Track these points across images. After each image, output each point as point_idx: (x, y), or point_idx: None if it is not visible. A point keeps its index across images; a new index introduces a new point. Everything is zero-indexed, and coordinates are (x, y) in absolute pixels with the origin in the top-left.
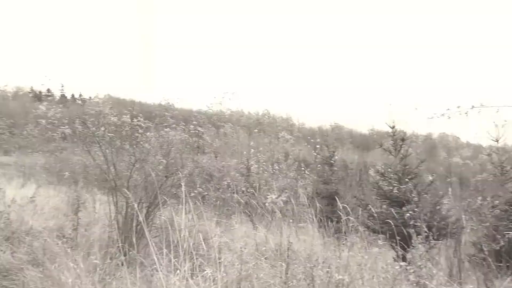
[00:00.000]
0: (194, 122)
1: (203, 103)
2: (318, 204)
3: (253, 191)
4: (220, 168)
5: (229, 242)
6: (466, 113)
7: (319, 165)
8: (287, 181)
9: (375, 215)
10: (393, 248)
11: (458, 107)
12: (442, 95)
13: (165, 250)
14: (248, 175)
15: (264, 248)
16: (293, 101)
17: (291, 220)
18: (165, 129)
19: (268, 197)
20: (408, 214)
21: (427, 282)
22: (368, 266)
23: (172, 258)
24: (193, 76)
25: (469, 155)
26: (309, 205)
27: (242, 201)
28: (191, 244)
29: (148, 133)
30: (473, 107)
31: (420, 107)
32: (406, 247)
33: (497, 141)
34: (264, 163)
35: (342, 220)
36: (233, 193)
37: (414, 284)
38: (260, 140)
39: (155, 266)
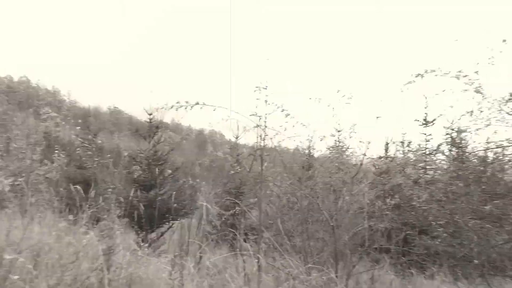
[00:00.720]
0: None
1: None
2: (64, 190)
3: None
4: None
5: None
6: (191, 107)
7: (78, 149)
8: (27, 164)
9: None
10: (135, 230)
11: (186, 102)
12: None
13: None
14: None
15: None
16: (68, 76)
17: (17, 208)
18: None
19: None
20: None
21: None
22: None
23: None
24: None
25: (228, 151)
26: (53, 191)
27: None
28: None
29: None
30: (197, 103)
31: (177, 98)
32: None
33: (236, 138)
34: None
35: (85, 207)
36: None
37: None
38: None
39: None
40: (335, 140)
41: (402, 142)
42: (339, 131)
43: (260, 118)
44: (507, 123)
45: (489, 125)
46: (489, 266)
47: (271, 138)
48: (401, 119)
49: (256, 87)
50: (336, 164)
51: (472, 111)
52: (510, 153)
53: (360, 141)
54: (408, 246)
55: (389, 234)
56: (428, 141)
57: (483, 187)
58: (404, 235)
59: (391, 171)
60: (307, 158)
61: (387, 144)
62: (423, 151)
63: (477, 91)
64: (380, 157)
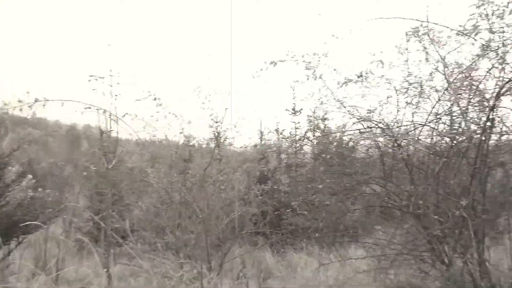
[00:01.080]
0: None
1: None
2: None
3: None
4: None
5: None
6: (29, 106)
7: None
8: None
9: None
10: None
11: (19, 101)
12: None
13: None
14: None
15: None
16: None
17: None
18: None
19: None
20: None
21: None
22: None
23: None
24: None
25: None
26: None
27: None
28: None
29: None
30: (36, 100)
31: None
32: None
33: (102, 132)
34: None
35: None
36: None
37: None
38: None
39: None
40: (213, 132)
41: (276, 130)
42: (216, 122)
43: (104, 111)
44: (340, 109)
45: (327, 112)
46: (340, 235)
47: (142, 130)
48: (276, 110)
49: (91, 76)
50: (219, 156)
51: (311, 94)
52: (350, 135)
53: (227, 129)
54: (280, 225)
55: (257, 218)
56: (298, 128)
57: (335, 167)
58: (272, 217)
59: (264, 158)
60: (174, 151)
61: (261, 133)
62: (293, 138)
63: (315, 78)
64: (255, 146)
